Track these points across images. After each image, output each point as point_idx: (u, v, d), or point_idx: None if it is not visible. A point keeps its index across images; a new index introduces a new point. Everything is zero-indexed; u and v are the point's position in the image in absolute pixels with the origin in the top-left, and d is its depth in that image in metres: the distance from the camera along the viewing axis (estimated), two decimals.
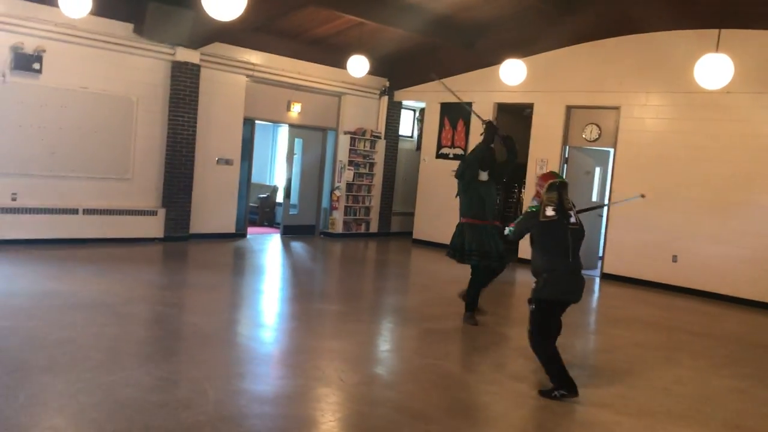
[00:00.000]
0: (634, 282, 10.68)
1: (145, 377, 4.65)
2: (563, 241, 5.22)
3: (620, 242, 10.97)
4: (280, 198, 14.64)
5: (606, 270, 11.11)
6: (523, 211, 6.36)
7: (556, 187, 5.34)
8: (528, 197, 12.19)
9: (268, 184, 14.87)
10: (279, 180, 15.00)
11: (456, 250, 7.11)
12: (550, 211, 5.31)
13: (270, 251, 11.45)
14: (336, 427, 4.26)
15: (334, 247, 12.33)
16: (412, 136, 15.33)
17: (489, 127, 7.06)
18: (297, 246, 12.15)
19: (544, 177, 5.50)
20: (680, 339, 7.43)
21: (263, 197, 14.39)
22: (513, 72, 9.45)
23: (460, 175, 7.07)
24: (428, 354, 5.95)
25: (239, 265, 10.12)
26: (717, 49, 7.66)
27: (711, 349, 7.03)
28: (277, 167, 15.29)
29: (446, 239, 12.85)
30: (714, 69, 7.60)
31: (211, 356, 5.35)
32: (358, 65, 10.99)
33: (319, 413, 4.45)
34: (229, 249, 10.99)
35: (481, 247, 6.93)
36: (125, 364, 4.93)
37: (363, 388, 4.92)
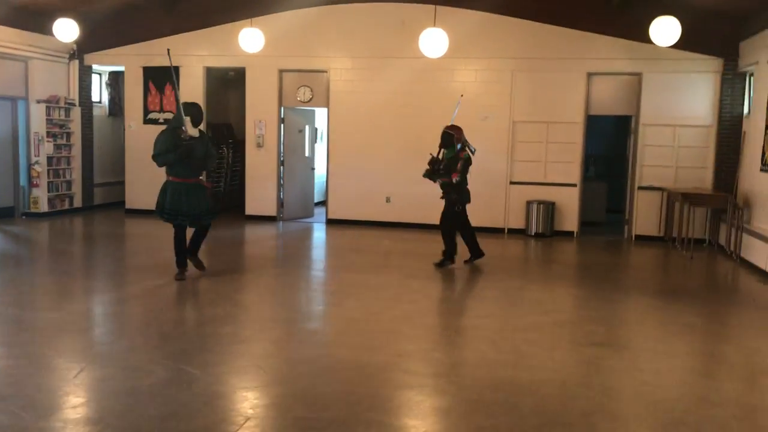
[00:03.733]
0: (356, 223, 12.29)
1: None
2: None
3: (340, 190, 12.43)
4: None
5: (330, 216, 12.50)
6: (462, 161, 8.64)
7: None
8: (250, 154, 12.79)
9: None
10: None
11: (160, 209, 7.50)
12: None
13: None
14: None
15: (41, 229, 11.33)
16: (100, 102, 14.48)
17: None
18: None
19: (457, 129, 8.68)
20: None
21: None
22: (252, 39, 9.99)
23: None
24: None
25: None
26: (434, 23, 9.38)
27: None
28: None
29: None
30: (434, 41, 9.32)
31: None
32: (66, 29, 10.27)
33: None
34: None
35: (175, 206, 7.41)
36: None
37: None
